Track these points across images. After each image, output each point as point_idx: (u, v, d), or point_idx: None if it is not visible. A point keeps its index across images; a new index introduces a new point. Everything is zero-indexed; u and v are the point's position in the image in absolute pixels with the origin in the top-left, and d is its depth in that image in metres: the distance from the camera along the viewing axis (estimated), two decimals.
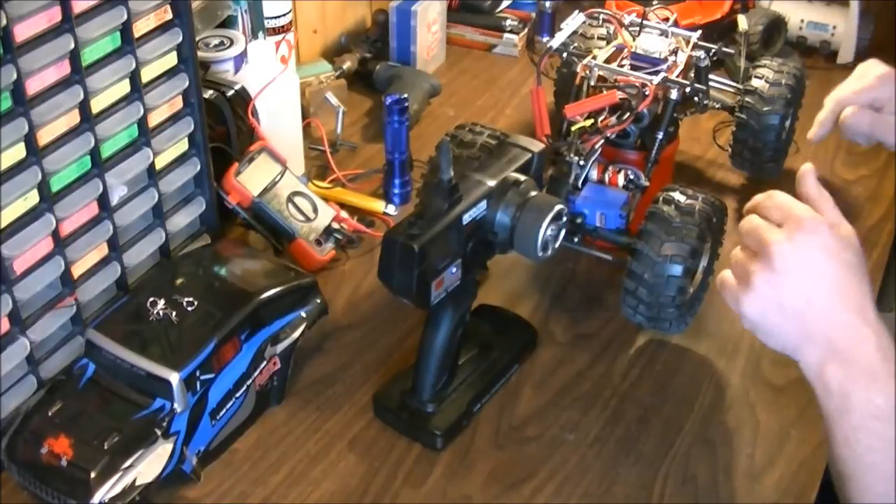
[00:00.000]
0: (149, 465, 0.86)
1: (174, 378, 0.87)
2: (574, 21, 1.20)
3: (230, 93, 1.15)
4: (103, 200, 0.97)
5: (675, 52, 1.16)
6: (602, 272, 1.16)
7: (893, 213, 1.27)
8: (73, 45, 0.88)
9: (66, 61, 0.89)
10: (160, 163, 1.03)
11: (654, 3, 1.27)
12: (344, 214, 1.19)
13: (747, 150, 1.25)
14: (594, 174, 1.09)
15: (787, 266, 0.75)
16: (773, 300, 0.76)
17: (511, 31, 1.60)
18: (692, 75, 1.17)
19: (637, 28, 1.20)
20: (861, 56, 1.54)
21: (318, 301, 1.03)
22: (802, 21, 1.57)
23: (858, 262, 0.76)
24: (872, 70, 1.19)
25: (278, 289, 0.98)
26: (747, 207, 0.83)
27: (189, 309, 0.93)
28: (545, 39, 1.58)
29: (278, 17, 1.31)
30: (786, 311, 0.76)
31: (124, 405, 0.89)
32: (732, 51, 1.27)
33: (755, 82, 1.23)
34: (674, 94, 1.10)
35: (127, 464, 0.85)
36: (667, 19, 1.23)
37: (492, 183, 0.93)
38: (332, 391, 1.02)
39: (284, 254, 1.14)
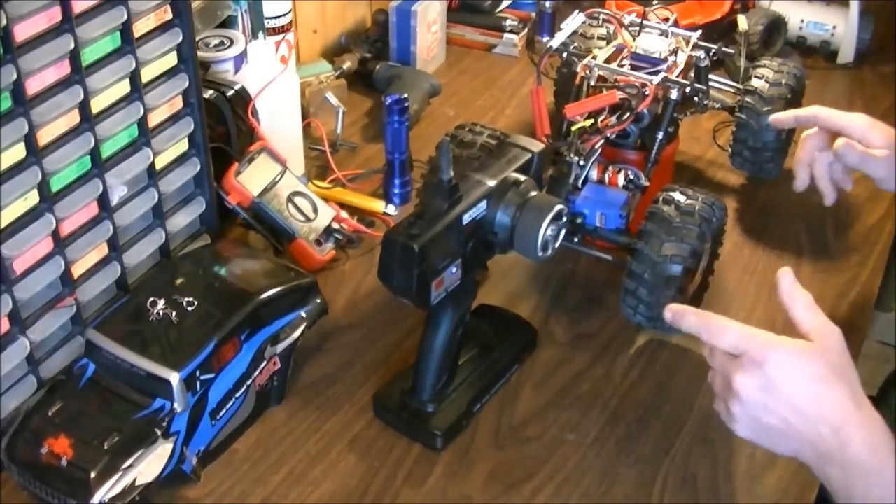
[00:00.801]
0: (149, 465, 0.86)
1: (174, 378, 0.87)
2: (574, 21, 1.20)
3: (230, 93, 1.15)
4: (103, 200, 0.97)
5: (675, 52, 1.16)
6: (602, 272, 1.16)
7: (893, 213, 1.27)
8: (73, 45, 0.88)
9: (66, 61, 0.89)
10: (160, 163, 1.03)
11: (654, 3, 1.27)
12: (344, 214, 1.19)
13: (747, 150, 1.25)
14: (594, 174, 1.09)
15: (755, 400, 0.79)
16: (757, 426, 0.80)
17: (511, 31, 1.60)
18: (692, 75, 1.17)
19: (637, 28, 1.20)
20: (861, 56, 1.55)
21: (318, 301, 1.03)
22: (802, 21, 1.57)
23: (830, 366, 0.79)
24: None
25: (278, 289, 0.98)
26: (706, 349, 0.85)
27: (189, 309, 0.93)
28: (545, 39, 1.58)
29: (278, 17, 1.31)
30: (771, 432, 0.79)
31: (124, 405, 0.89)
32: (732, 51, 1.27)
33: (755, 82, 1.23)
34: (674, 94, 1.10)
35: (127, 464, 0.85)
36: (667, 19, 1.23)
37: (492, 183, 0.93)
38: (332, 391, 1.02)
39: (284, 254, 1.14)
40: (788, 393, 0.77)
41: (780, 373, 0.77)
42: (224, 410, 0.93)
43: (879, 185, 1.12)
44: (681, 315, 0.86)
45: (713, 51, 1.18)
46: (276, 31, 1.31)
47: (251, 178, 1.14)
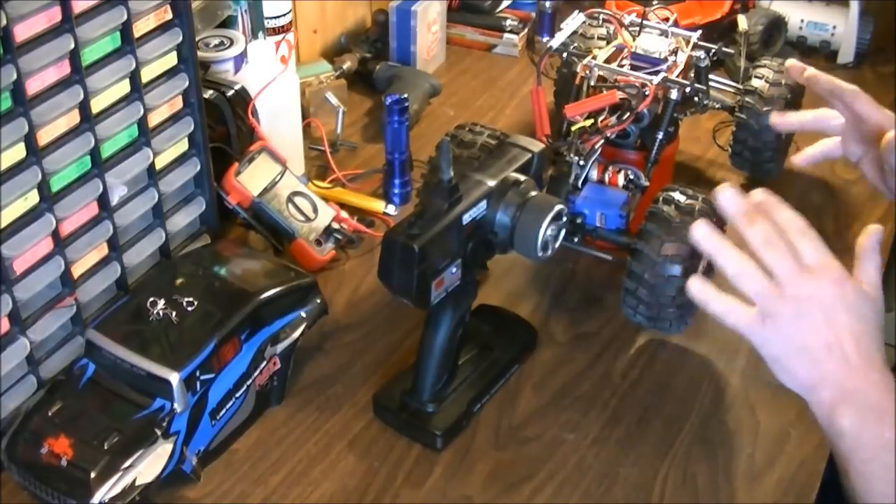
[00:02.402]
0: (149, 465, 0.86)
1: (174, 378, 0.87)
2: (574, 21, 1.20)
3: (230, 93, 1.15)
4: (103, 200, 0.97)
5: (675, 52, 1.16)
6: (602, 272, 1.16)
7: (893, 213, 1.27)
8: (73, 45, 0.88)
9: (66, 61, 0.89)
10: (160, 163, 1.03)
11: (654, 3, 1.27)
12: (344, 214, 1.19)
13: (747, 150, 1.25)
14: (594, 174, 1.09)
15: (813, 313, 0.80)
16: (795, 341, 0.81)
17: (511, 31, 1.60)
18: (692, 75, 1.17)
19: (637, 28, 1.20)
20: (861, 56, 1.55)
21: (318, 301, 1.03)
22: (802, 21, 1.57)
23: (875, 318, 0.81)
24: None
25: (278, 289, 0.98)
26: (766, 206, 0.85)
27: (189, 309, 0.93)
28: (545, 39, 1.58)
29: (278, 17, 1.31)
30: (804, 353, 0.80)
31: (124, 405, 0.89)
32: (732, 51, 1.27)
33: (755, 82, 1.23)
34: (674, 94, 1.10)
35: (127, 464, 0.85)
36: (667, 19, 1.23)
37: (492, 183, 0.93)
38: (332, 391, 1.02)
39: (284, 254, 1.14)
40: (843, 320, 0.79)
41: (855, 298, 0.80)
42: (224, 410, 0.93)
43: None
44: (742, 213, 0.84)
45: (713, 51, 1.18)
46: (276, 31, 1.31)
47: (251, 178, 1.14)
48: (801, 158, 1.22)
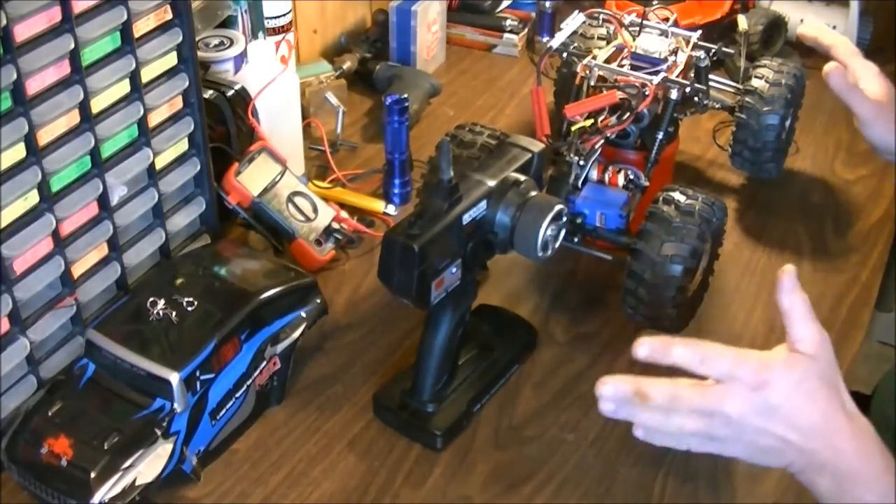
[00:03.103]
0: (149, 465, 0.86)
1: (174, 378, 0.87)
2: (574, 21, 1.20)
3: (230, 93, 1.15)
4: (103, 200, 0.97)
5: (675, 52, 1.16)
6: (602, 272, 1.16)
7: (893, 213, 1.27)
8: (73, 45, 0.88)
9: (66, 61, 0.89)
10: (160, 163, 1.03)
11: (654, 3, 1.27)
12: (344, 214, 1.19)
13: (747, 150, 1.25)
14: (594, 174, 1.09)
15: (746, 427, 0.77)
16: (749, 451, 0.78)
17: (511, 31, 1.60)
18: (692, 75, 1.17)
19: (637, 28, 1.20)
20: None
21: (318, 301, 1.03)
22: (802, 21, 1.57)
23: (823, 378, 0.78)
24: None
25: (278, 289, 0.98)
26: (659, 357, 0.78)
27: (189, 309, 0.93)
28: (545, 39, 1.58)
29: (278, 17, 1.31)
30: (765, 451, 0.78)
31: (124, 405, 0.89)
32: (732, 51, 1.27)
33: (755, 82, 1.23)
34: (674, 95, 1.10)
35: (127, 464, 0.85)
36: (667, 19, 1.23)
37: (492, 183, 0.93)
38: (332, 391, 1.02)
39: (284, 254, 1.14)
40: (788, 413, 0.76)
41: (780, 395, 0.76)
42: (224, 410, 0.93)
43: (862, 129, 1.12)
44: (664, 346, 0.77)
45: (713, 51, 1.18)
46: (276, 31, 1.31)
47: (251, 178, 1.14)
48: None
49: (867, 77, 1.13)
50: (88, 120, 0.93)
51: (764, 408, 0.76)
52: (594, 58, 1.14)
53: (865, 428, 0.78)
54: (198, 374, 0.89)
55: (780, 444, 0.77)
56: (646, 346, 0.77)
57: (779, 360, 0.77)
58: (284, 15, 1.32)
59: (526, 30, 1.61)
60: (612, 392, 0.77)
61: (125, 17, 0.93)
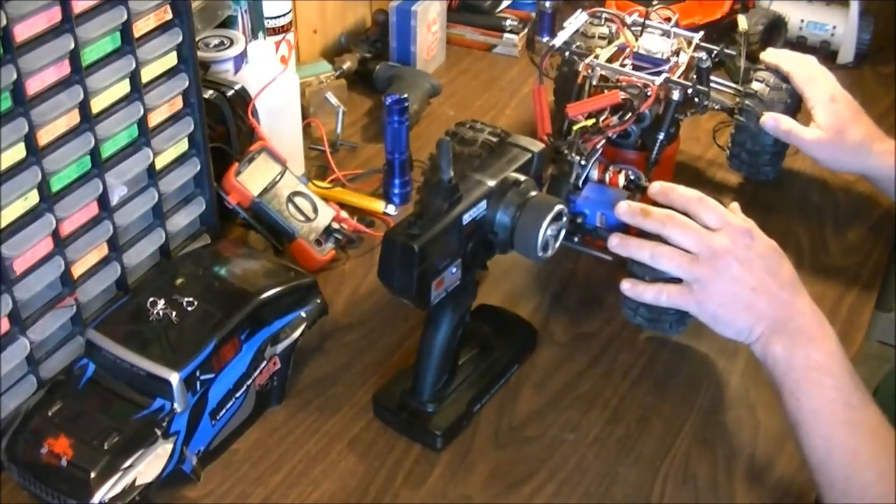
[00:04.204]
0: (149, 465, 0.86)
1: (174, 378, 0.87)
2: (577, 20, 1.20)
3: (230, 93, 1.15)
4: (103, 200, 0.97)
5: (677, 52, 1.16)
6: (602, 272, 1.16)
7: (893, 213, 1.27)
8: (73, 45, 0.88)
9: (66, 61, 0.89)
10: (160, 163, 1.03)
11: (655, 2, 1.27)
12: (344, 214, 1.19)
13: (745, 153, 1.25)
14: (595, 174, 1.09)
15: (730, 265, 0.90)
16: (725, 294, 0.91)
17: (511, 31, 1.60)
18: (693, 76, 1.16)
19: (639, 28, 1.20)
20: (861, 56, 1.55)
21: (318, 301, 1.03)
22: (802, 21, 1.57)
23: (782, 255, 0.93)
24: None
25: (278, 289, 0.98)
26: (663, 193, 0.97)
27: (189, 309, 0.93)
28: (545, 39, 1.58)
29: (278, 17, 1.31)
30: (736, 301, 0.90)
31: (124, 405, 0.89)
32: (734, 52, 1.27)
33: (755, 85, 1.23)
34: (675, 95, 1.10)
35: (127, 464, 0.85)
36: (668, 19, 1.23)
37: (492, 183, 0.93)
38: (332, 391, 1.02)
39: (284, 254, 1.14)
40: (765, 266, 0.89)
41: (761, 249, 0.90)
42: (224, 410, 0.93)
43: (822, 164, 1.22)
44: (668, 189, 0.96)
45: (715, 52, 1.18)
46: (276, 31, 1.31)
47: (251, 178, 1.13)
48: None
49: (818, 107, 1.18)
50: (88, 120, 0.93)
51: (746, 255, 0.89)
52: (596, 57, 1.14)
53: (815, 306, 0.91)
54: (198, 374, 0.89)
55: (753, 295, 0.88)
56: (655, 186, 0.96)
57: (755, 228, 0.93)
58: (284, 15, 1.32)
59: (526, 30, 1.61)
60: (626, 208, 0.96)
61: (125, 17, 0.93)
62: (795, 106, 1.26)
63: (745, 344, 0.92)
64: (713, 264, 0.90)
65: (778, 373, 0.88)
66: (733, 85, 1.28)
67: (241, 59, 1.23)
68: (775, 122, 1.17)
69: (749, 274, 0.90)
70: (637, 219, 0.96)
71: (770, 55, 1.23)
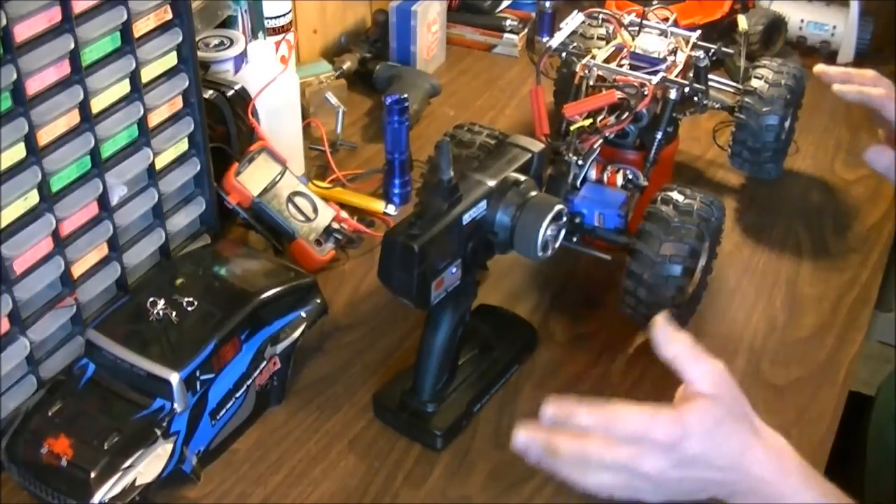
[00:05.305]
0: (149, 465, 0.87)
1: (174, 378, 0.87)
2: (573, 21, 1.20)
3: (230, 93, 1.15)
4: (103, 200, 0.97)
5: (674, 51, 1.16)
6: (602, 272, 1.16)
7: (893, 213, 1.27)
8: (73, 45, 0.88)
9: (66, 61, 0.89)
10: (160, 163, 1.03)
11: (654, 2, 1.27)
12: (344, 214, 1.19)
13: (746, 151, 1.25)
14: (593, 174, 1.09)
15: (672, 477, 0.76)
16: (670, 493, 0.77)
17: (511, 31, 1.60)
18: (691, 75, 1.17)
19: (636, 28, 1.20)
20: (861, 56, 1.55)
21: (318, 301, 1.03)
22: (802, 21, 1.57)
23: (728, 412, 0.77)
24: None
25: (278, 289, 0.98)
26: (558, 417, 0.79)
27: (189, 309, 0.93)
28: (545, 39, 1.58)
29: (278, 17, 1.31)
30: (687, 492, 0.78)
31: (124, 405, 0.89)
32: (732, 51, 1.27)
33: (755, 83, 1.23)
34: (673, 94, 1.10)
35: (127, 464, 0.85)
36: (666, 19, 1.23)
37: (492, 183, 0.93)
38: (332, 391, 1.02)
39: (284, 254, 1.15)
40: (706, 459, 0.76)
41: (696, 447, 0.75)
42: (224, 410, 0.93)
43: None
44: (569, 410, 0.77)
45: (712, 51, 1.18)
46: (276, 31, 1.31)
47: (251, 178, 1.14)
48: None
49: None
50: (88, 120, 0.93)
51: (682, 461, 0.75)
52: (593, 57, 1.14)
53: (780, 445, 0.79)
54: (198, 374, 0.89)
55: (702, 486, 0.77)
56: (550, 409, 0.78)
57: (688, 412, 0.77)
58: (284, 15, 1.32)
59: (526, 30, 1.62)
60: (524, 445, 0.77)
61: (125, 17, 0.93)
62: (796, 102, 1.26)
63: None
64: (649, 483, 0.77)
65: None
66: (733, 83, 1.28)
67: (241, 59, 1.23)
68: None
69: (688, 480, 0.77)
70: (545, 459, 0.78)
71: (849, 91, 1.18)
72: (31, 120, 0.87)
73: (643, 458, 0.75)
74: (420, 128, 1.41)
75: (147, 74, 0.98)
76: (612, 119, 1.08)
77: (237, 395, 0.94)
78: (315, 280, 1.03)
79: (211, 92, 1.14)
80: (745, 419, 0.79)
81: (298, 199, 1.16)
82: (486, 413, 1.00)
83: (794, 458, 0.79)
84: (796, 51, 1.57)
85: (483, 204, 0.92)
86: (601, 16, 1.21)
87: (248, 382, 0.95)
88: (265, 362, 0.96)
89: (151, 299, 0.93)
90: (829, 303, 1.13)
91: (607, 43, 1.21)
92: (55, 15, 0.86)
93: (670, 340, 0.78)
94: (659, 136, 1.11)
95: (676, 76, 1.12)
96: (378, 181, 1.29)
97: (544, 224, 0.92)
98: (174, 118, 1.03)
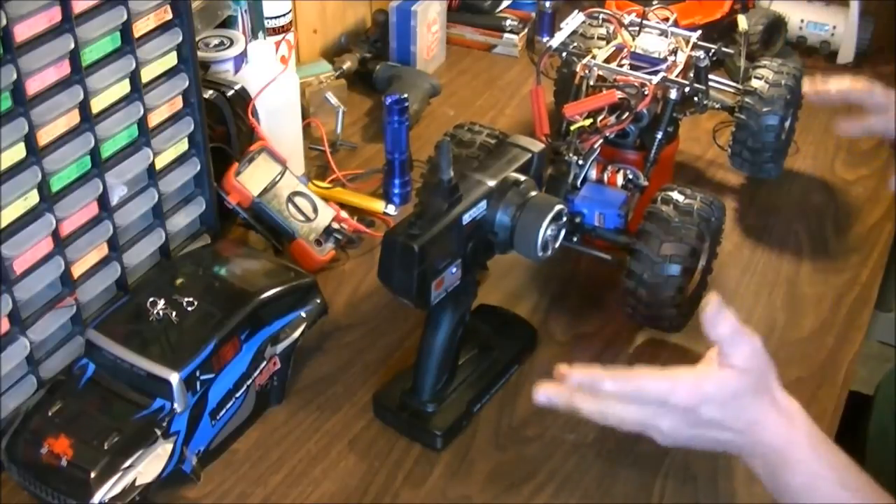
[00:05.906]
0: (149, 465, 0.87)
1: (174, 378, 0.87)
2: (574, 21, 1.20)
3: (230, 93, 1.15)
4: (103, 200, 0.97)
5: (674, 51, 1.16)
6: (602, 272, 1.16)
7: (893, 213, 1.27)
8: (73, 45, 0.88)
9: (66, 61, 0.89)
10: (160, 163, 1.03)
11: (654, 2, 1.27)
12: (344, 214, 1.19)
13: (746, 151, 1.25)
14: (593, 174, 1.09)
15: (687, 435, 0.81)
16: (682, 444, 0.82)
17: (511, 31, 1.60)
18: (692, 75, 1.17)
19: (637, 28, 1.20)
20: (861, 56, 1.55)
21: (318, 301, 1.03)
22: (802, 21, 1.57)
23: (751, 389, 0.80)
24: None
25: (278, 289, 0.98)
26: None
27: (189, 309, 0.93)
28: (545, 39, 1.58)
29: (278, 17, 1.31)
30: (695, 445, 0.82)
31: (124, 405, 0.89)
32: (732, 51, 1.27)
33: (755, 83, 1.23)
34: (673, 94, 1.10)
35: (127, 464, 0.85)
36: (666, 19, 1.23)
37: (492, 183, 0.93)
38: (332, 391, 1.02)
39: (284, 254, 1.15)
40: (719, 423, 0.80)
41: (711, 412, 0.79)
42: (224, 410, 0.93)
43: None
44: (595, 380, 0.81)
45: (712, 51, 1.18)
46: (276, 31, 1.31)
47: (251, 178, 1.14)
48: (843, 129, 1.21)
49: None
50: (88, 120, 0.93)
51: (697, 422, 0.80)
52: (594, 57, 1.14)
53: (793, 412, 0.81)
54: (198, 374, 0.89)
55: (713, 444, 0.82)
56: (576, 374, 0.82)
57: (711, 381, 0.80)
58: (284, 15, 1.32)
59: (526, 30, 1.62)
60: (546, 402, 0.82)
61: (125, 17, 0.93)
62: (796, 102, 1.26)
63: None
64: (662, 436, 0.81)
65: (766, 486, 0.83)
66: (733, 83, 1.28)
67: (241, 59, 1.23)
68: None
69: (699, 438, 0.81)
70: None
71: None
72: (31, 120, 0.87)
73: (660, 418, 0.80)
74: (420, 128, 1.41)
75: (147, 74, 0.98)
76: (612, 119, 1.08)
77: (237, 395, 0.94)
78: (315, 280, 1.03)
79: (211, 92, 1.14)
80: (766, 393, 0.81)
81: (298, 199, 1.16)
82: (486, 413, 1.00)
83: (805, 425, 0.81)
84: (796, 51, 1.57)
85: (483, 204, 0.92)
86: (601, 16, 1.21)
87: (248, 382, 0.95)
88: (265, 362, 0.96)
89: (151, 299, 0.93)
90: (829, 303, 1.13)
91: (607, 43, 1.21)
92: (55, 15, 0.86)
93: (719, 323, 0.80)
94: (659, 136, 1.11)
95: (677, 76, 1.12)
96: (378, 181, 1.29)
97: (544, 224, 0.92)
98: (174, 118, 1.03)
